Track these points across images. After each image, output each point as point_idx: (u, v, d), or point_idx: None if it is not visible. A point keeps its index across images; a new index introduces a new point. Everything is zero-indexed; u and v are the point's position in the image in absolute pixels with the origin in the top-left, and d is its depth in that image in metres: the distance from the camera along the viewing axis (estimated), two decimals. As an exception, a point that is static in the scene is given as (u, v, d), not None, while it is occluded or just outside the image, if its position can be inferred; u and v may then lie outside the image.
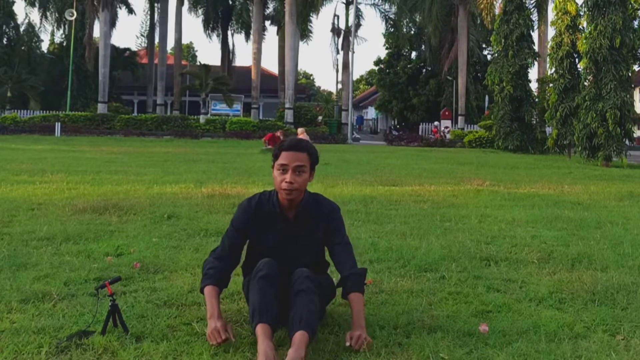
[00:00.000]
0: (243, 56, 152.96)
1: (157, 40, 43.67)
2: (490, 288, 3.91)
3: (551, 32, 23.95)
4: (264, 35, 42.23)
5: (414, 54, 48.58)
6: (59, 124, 30.98)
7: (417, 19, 42.35)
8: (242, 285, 3.40)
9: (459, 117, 38.11)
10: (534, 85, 27.43)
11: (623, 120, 18.41)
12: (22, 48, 41.82)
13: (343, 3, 41.10)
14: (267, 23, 43.97)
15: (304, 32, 41.07)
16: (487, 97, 37.76)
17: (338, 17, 45.63)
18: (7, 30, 40.17)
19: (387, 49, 49.20)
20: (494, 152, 24.85)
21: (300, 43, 40.62)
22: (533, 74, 37.30)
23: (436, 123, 38.44)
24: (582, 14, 20.96)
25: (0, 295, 3.50)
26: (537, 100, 25.95)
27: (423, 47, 46.20)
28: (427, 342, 2.90)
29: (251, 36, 40.54)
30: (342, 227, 3.23)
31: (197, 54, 71.43)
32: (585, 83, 19.57)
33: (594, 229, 6.20)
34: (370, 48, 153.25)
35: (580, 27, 21.50)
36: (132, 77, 46.14)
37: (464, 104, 38.23)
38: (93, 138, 28.01)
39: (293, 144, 3.10)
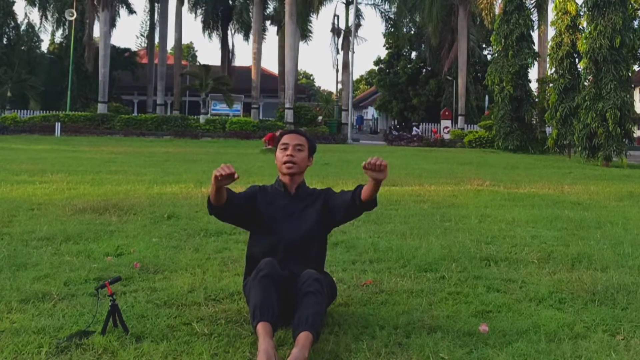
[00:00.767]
0: (243, 56, 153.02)
1: (157, 40, 43.67)
2: (490, 288, 3.91)
3: (551, 32, 24.00)
4: (264, 35, 42.25)
5: (414, 54, 48.55)
6: (59, 124, 30.98)
7: (417, 19, 42.31)
8: (242, 286, 3.42)
9: (459, 117, 38.10)
10: (534, 85, 27.46)
11: (623, 120, 18.42)
12: (22, 48, 41.81)
13: (343, 3, 41.12)
14: (267, 23, 43.98)
15: (304, 32, 41.08)
16: (487, 97, 37.76)
17: (338, 17, 45.72)
18: (7, 30, 40.14)
19: (387, 49, 49.19)
20: (494, 152, 24.85)
21: (300, 43, 40.62)
22: (533, 74, 37.36)
23: (416, 130, 38.53)
24: (582, 14, 20.96)
25: (0, 295, 3.50)
26: (537, 100, 25.95)
27: (423, 47, 46.17)
28: (427, 342, 2.90)
29: (251, 36, 40.55)
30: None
31: (197, 54, 71.43)
32: (585, 83, 19.57)
33: (594, 229, 6.20)
34: (370, 48, 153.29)
35: (580, 27, 21.50)
36: (132, 77, 46.12)
37: (464, 104, 38.23)
38: (93, 138, 28.01)
39: (293, 130, 3.58)
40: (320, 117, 42.41)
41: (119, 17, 47.21)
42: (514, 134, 25.30)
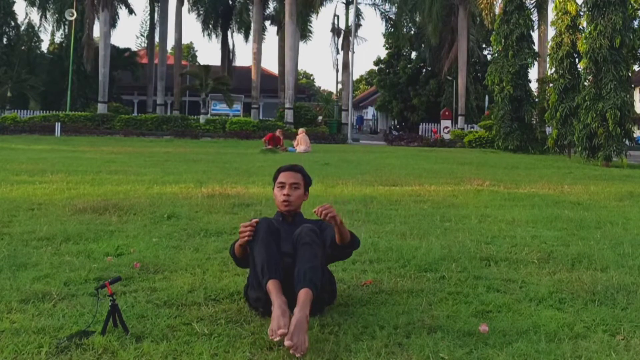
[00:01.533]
0: (243, 56, 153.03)
1: (157, 40, 43.68)
2: (490, 288, 3.91)
3: (551, 32, 23.97)
4: (264, 35, 42.28)
5: (414, 54, 48.51)
6: (59, 124, 30.97)
7: (417, 19, 42.31)
8: (243, 288, 3.48)
9: (459, 117, 38.10)
10: (534, 85, 27.45)
11: (623, 120, 18.40)
12: (22, 48, 41.84)
13: (343, 3, 41.11)
14: (267, 23, 44.01)
15: (304, 32, 41.11)
16: (487, 97, 37.73)
17: (338, 17, 45.70)
18: (7, 30, 40.15)
19: (387, 49, 49.17)
20: (494, 152, 24.85)
21: (300, 43, 40.64)
22: (533, 74, 37.31)
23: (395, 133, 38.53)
24: (582, 14, 20.95)
25: (0, 295, 3.50)
26: (537, 100, 25.93)
27: (423, 47, 46.14)
28: (427, 342, 2.90)
29: (251, 36, 40.58)
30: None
31: (197, 54, 71.43)
32: (585, 83, 19.55)
33: (594, 229, 6.20)
34: (370, 48, 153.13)
35: (580, 27, 21.47)
36: (132, 77, 46.13)
37: (464, 104, 38.22)
38: (93, 138, 28.01)
39: (289, 167, 3.68)
40: (320, 117, 42.41)
41: (119, 17, 47.13)
42: (514, 134, 25.29)
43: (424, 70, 46.34)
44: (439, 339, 2.95)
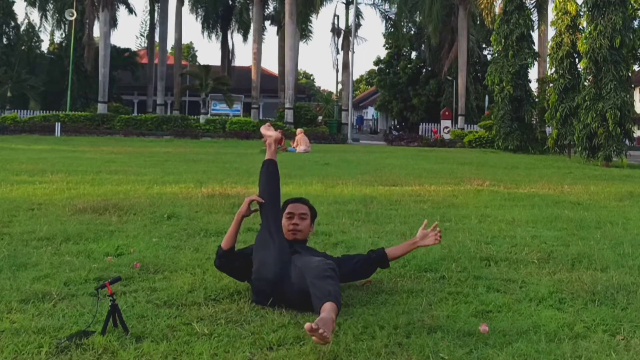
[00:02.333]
0: (243, 56, 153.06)
1: (157, 40, 43.68)
2: (490, 288, 3.91)
3: (551, 32, 23.95)
4: (264, 35, 42.25)
5: (414, 54, 48.49)
6: (59, 124, 30.96)
7: (417, 19, 42.31)
8: (248, 280, 3.60)
9: (459, 117, 38.08)
10: (534, 85, 27.42)
11: (623, 120, 18.38)
12: (22, 48, 41.81)
13: (343, 3, 41.10)
14: (267, 23, 43.98)
15: (304, 32, 41.08)
16: (487, 97, 37.72)
17: (338, 17, 45.66)
18: (7, 30, 40.14)
19: (387, 49, 49.15)
20: (494, 152, 24.85)
21: (300, 43, 40.62)
22: (533, 74, 37.25)
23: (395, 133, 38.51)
24: (582, 14, 20.93)
25: (0, 295, 3.50)
26: (537, 100, 25.91)
27: (423, 47, 46.13)
28: (427, 342, 2.91)
29: (251, 36, 40.57)
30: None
31: (197, 54, 71.39)
32: (585, 83, 19.54)
33: (594, 229, 6.20)
34: (370, 48, 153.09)
35: (580, 27, 21.46)
36: (132, 77, 46.12)
37: (464, 104, 38.21)
38: (93, 138, 28.00)
39: (297, 199, 4.02)
40: (320, 117, 42.38)
41: (119, 17, 47.10)
42: (514, 134, 25.28)
43: (424, 70, 46.32)
44: (439, 339, 2.95)
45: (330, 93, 70.17)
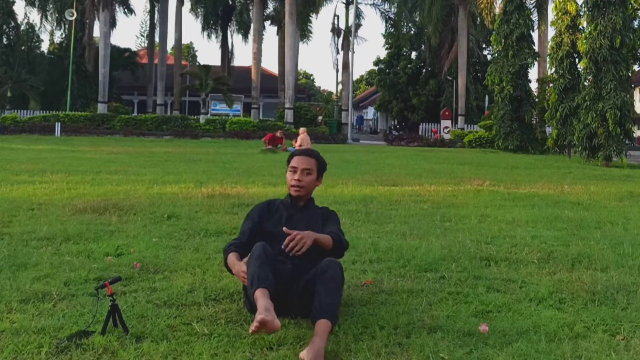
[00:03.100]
0: (243, 56, 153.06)
1: (157, 40, 43.69)
2: (490, 288, 3.91)
3: (551, 32, 23.95)
4: (264, 35, 42.26)
5: (414, 54, 48.53)
6: (59, 124, 30.97)
7: (417, 19, 42.33)
8: (242, 286, 3.44)
9: (459, 117, 38.10)
10: (534, 85, 27.44)
11: (623, 120, 18.39)
12: (22, 48, 41.83)
13: (343, 3, 41.17)
14: (267, 23, 44.00)
15: (304, 32, 41.11)
16: (487, 97, 37.73)
17: (338, 17, 45.82)
18: (7, 30, 40.14)
19: (387, 49, 49.18)
20: (494, 152, 24.85)
21: (300, 43, 40.64)
22: (533, 74, 37.33)
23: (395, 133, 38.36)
24: (582, 14, 20.94)
25: (0, 295, 3.50)
26: (537, 100, 25.93)
27: (423, 47, 46.17)
28: (427, 342, 2.90)
29: (251, 36, 40.58)
30: (338, 222, 3.60)
31: (197, 54, 71.49)
32: (585, 83, 19.54)
33: (594, 229, 6.20)
34: (370, 48, 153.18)
35: (580, 27, 21.48)
36: (132, 77, 46.15)
37: (464, 104, 38.22)
38: (93, 138, 28.00)
39: (304, 151, 3.67)
40: (320, 117, 42.42)
41: (119, 17, 47.13)
42: (514, 134, 25.29)
43: (424, 70, 46.34)
44: (439, 339, 2.95)
45: (330, 93, 70.23)
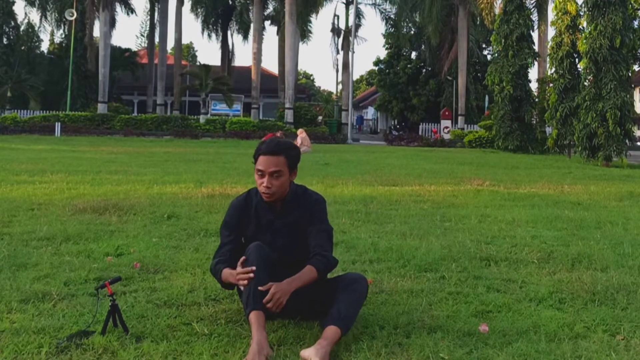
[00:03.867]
0: (243, 56, 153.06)
1: (157, 40, 43.69)
2: (490, 288, 3.91)
3: (551, 32, 23.95)
4: (264, 35, 42.27)
5: (414, 54, 48.53)
6: (59, 124, 30.96)
7: (417, 19, 42.32)
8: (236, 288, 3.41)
9: (459, 117, 38.10)
10: (534, 85, 27.43)
11: (623, 120, 18.39)
12: (22, 48, 41.85)
13: (343, 3, 41.16)
14: (267, 23, 44.02)
15: (304, 32, 41.12)
16: (487, 97, 37.72)
17: (338, 17, 45.79)
18: (7, 30, 40.14)
19: (387, 49, 49.18)
20: (494, 152, 24.85)
21: (300, 43, 40.64)
22: (533, 74, 37.29)
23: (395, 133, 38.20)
24: (582, 14, 20.94)
25: (0, 295, 3.50)
26: (537, 100, 25.92)
27: (423, 47, 46.16)
28: (427, 342, 2.90)
29: (251, 36, 40.59)
30: (323, 215, 3.30)
31: (197, 54, 71.54)
32: (585, 83, 19.54)
33: (594, 229, 6.20)
34: (370, 48, 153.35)
35: (580, 27, 21.47)
36: (132, 77, 46.14)
37: (464, 104, 38.22)
38: (93, 138, 28.00)
39: (269, 149, 3.16)
40: (320, 117, 42.42)
41: (119, 17, 47.13)
42: (514, 134, 25.29)
43: (424, 70, 46.35)
44: (439, 339, 2.95)
45: (330, 93, 70.25)
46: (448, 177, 11.97)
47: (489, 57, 42.56)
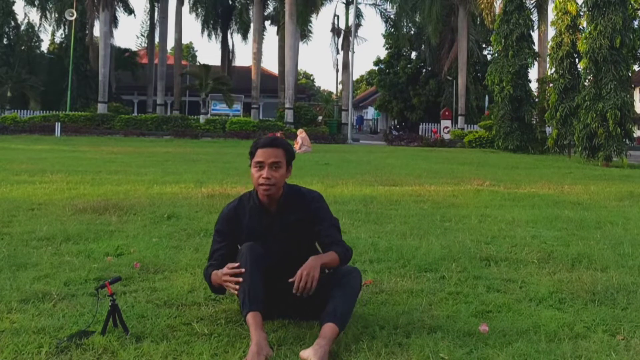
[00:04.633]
0: (243, 56, 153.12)
1: (157, 40, 43.68)
2: (490, 288, 3.91)
3: (551, 32, 23.98)
4: (264, 35, 42.24)
5: (414, 54, 48.52)
6: (59, 124, 30.96)
7: (417, 19, 42.31)
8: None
9: (459, 117, 38.09)
10: (534, 85, 27.43)
11: (623, 120, 18.39)
12: (22, 48, 41.85)
13: (343, 3, 41.12)
14: (267, 23, 43.98)
15: (304, 32, 41.05)
16: (487, 97, 37.74)
17: (338, 17, 45.60)
18: (7, 30, 40.15)
19: (387, 49, 49.18)
20: (494, 152, 24.85)
21: (300, 43, 40.61)
22: (533, 74, 37.29)
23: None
24: (582, 14, 20.96)
25: (0, 295, 3.50)
26: (537, 100, 25.93)
27: (423, 47, 46.14)
28: (427, 342, 2.90)
29: (251, 36, 40.61)
30: (326, 211, 3.27)
31: (197, 54, 71.51)
32: (585, 83, 19.55)
33: (594, 229, 6.20)
34: (370, 48, 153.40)
35: (580, 27, 21.49)
36: (132, 77, 46.13)
37: (464, 104, 38.21)
38: (93, 138, 28.01)
39: (268, 142, 3.18)
40: (320, 117, 42.39)
41: (119, 17, 47.05)
42: (514, 134, 25.28)
43: (424, 70, 46.35)
44: (439, 339, 2.95)
45: (330, 93, 70.24)
46: (448, 177, 11.97)
47: (489, 57, 42.54)
